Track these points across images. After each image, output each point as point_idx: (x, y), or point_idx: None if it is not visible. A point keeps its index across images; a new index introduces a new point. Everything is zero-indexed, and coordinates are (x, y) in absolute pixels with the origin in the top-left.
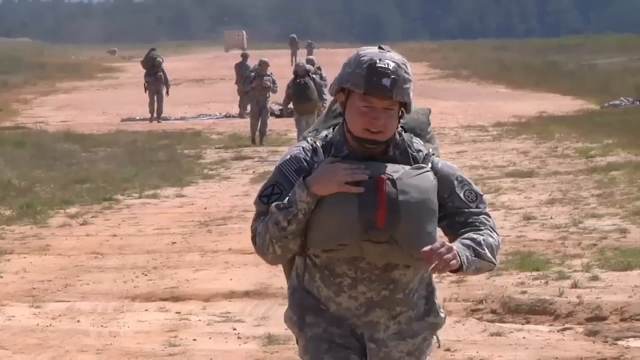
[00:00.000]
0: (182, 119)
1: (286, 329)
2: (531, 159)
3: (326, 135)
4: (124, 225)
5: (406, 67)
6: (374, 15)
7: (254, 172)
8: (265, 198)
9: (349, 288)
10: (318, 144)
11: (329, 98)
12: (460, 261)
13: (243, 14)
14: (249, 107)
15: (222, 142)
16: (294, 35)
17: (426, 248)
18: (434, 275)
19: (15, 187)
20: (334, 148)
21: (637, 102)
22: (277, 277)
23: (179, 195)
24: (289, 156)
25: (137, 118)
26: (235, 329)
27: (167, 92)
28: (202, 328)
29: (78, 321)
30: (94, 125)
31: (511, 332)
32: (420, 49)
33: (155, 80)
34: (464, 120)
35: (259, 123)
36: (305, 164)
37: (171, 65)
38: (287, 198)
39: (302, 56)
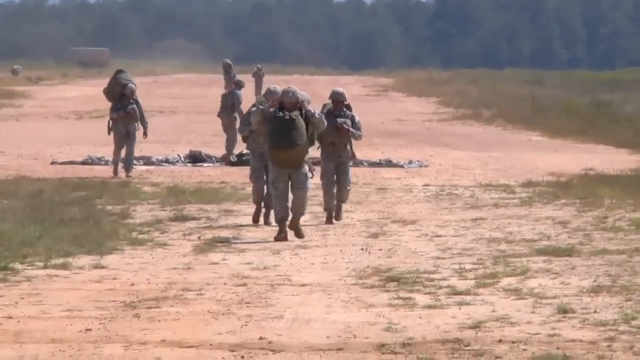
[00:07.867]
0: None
1: None
2: (571, 231)
3: None
4: (23, 303)
5: None
6: (367, 32)
7: (199, 237)
8: None
9: None
10: None
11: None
12: None
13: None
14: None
15: (158, 196)
16: (229, 62)
17: None
18: None
19: None
20: None
21: None
22: None
23: (97, 266)
24: None
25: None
26: None
27: (145, 133)
28: None
29: None
30: None
31: None
32: (427, 78)
33: (126, 115)
34: (483, 176)
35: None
36: None
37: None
38: None
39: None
